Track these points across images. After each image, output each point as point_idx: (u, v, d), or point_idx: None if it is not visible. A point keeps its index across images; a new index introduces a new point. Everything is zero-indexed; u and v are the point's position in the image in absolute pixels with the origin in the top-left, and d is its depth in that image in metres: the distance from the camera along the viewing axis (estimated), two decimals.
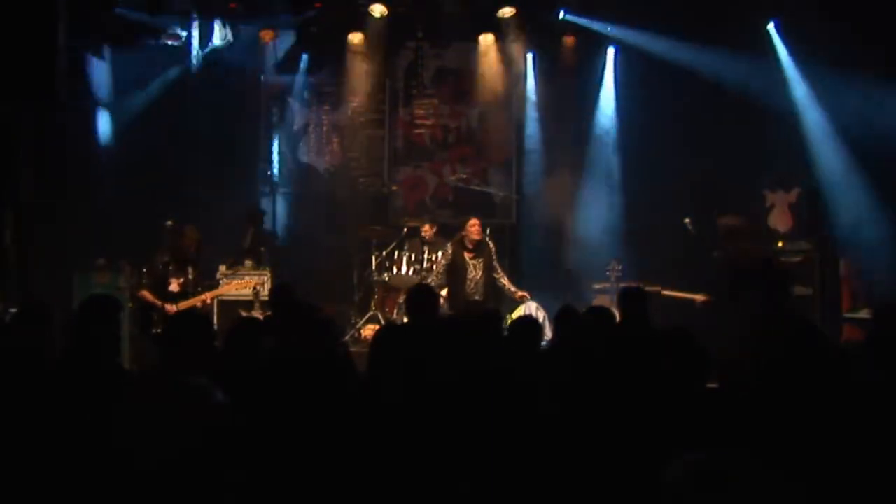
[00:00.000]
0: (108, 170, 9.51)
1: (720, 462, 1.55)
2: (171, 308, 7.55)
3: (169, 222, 8.13)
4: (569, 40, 10.23)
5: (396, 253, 9.36)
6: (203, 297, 7.80)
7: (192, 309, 7.71)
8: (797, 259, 8.83)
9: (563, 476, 2.98)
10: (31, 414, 3.04)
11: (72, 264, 9.10)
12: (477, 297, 8.28)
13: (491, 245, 8.59)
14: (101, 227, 9.10)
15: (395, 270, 9.24)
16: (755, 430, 3.05)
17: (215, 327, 8.85)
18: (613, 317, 5.36)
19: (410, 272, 9.14)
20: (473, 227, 8.41)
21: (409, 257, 9.21)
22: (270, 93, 10.62)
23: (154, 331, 7.51)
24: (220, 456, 1.73)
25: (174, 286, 7.70)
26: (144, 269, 7.91)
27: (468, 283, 8.27)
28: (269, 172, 10.60)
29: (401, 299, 8.73)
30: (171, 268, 7.74)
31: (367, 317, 9.25)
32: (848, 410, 3.14)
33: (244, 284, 8.51)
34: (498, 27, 10.32)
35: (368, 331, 8.83)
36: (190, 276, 7.77)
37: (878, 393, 3.34)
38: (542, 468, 2.97)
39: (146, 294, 7.68)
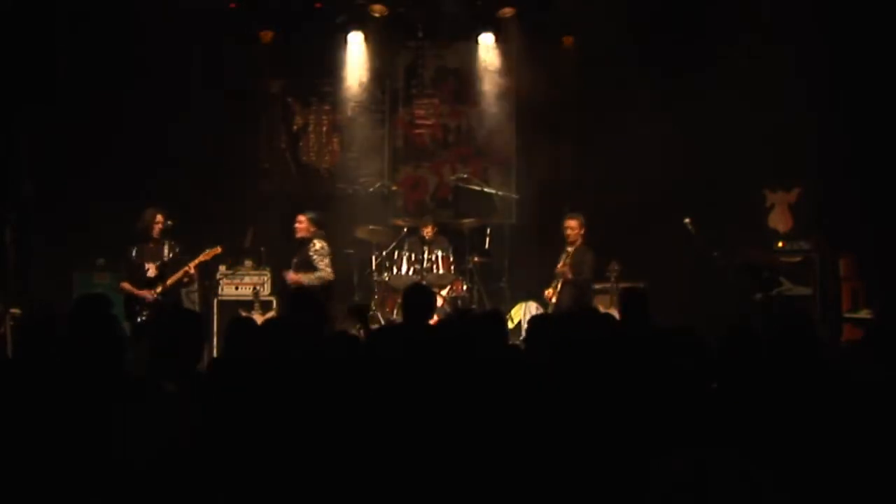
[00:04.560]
0: (108, 169, 9.50)
1: (705, 460, 1.55)
2: (147, 294, 7.61)
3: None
4: (568, 40, 10.23)
5: (396, 253, 9.35)
6: (182, 271, 7.79)
7: (180, 300, 7.76)
8: (797, 259, 8.84)
9: (565, 477, 2.98)
10: (29, 415, 3.04)
11: (72, 264, 9.10)
12: None
13: (313, 243, 8.55)
14: (101, 227, 9.10)
15: (395, 270, 9.23)
16: (755, 429, 3.05)
17: (214, 327, 8.92)
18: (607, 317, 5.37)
19: (410, 272, 9.13)
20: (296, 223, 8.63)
21: (409, 257, 9.20)
22: (270, 93, 10.61)
23: (139, 319, 7.57)
24: (203, 458, 1.73)
25: (151, 271, 7.74)
26: (122, 262, 7.98)
27: None
28: (269, 173, 10.61)
29: (400, 299, 8.73)
30: (142, 252, 7.79)
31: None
32: (847, 410, 3.14)
33: (213, 252, 8.31)
34: (498, 27, 10.32)
35: None
36: (166, 258, 7.78)
37: (877, 392, 3.33)
38: (542, 468, 2.97)
39: (126, 286, 7.76)
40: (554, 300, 8.78)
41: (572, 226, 9.03)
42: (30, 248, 9.29)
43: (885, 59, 8.68)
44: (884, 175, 8.75)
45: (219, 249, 8.06)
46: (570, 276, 8.76)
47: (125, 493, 2.27)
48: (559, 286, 8.84)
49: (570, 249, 9.01)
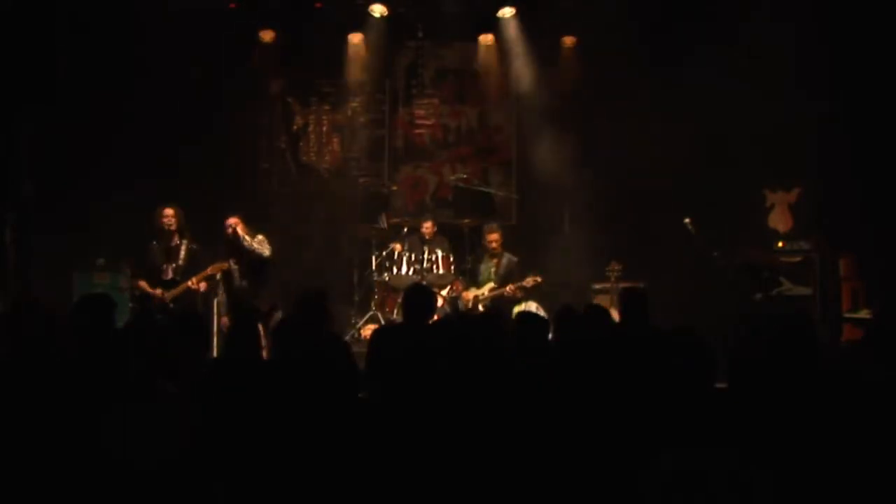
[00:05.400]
0: (108, 169, 9.50)
1: (704, 460, 1.56)
2: (159, 293, 7.63)
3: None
4: (568, 40, 10.23)
5: (396, 253, 9.35)
6: (184, 285, 7.80)
7: (189, 304, 7.77)
8: (797, 259, 8.83)
9: (563, 477, 2.98)
10: (28, 414, 3.04)
11: (72, 264, 9.10)
12: None
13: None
14: (101, 227, 9.10)
15: (395, 270, 9.23)
16: (754, 429, 3.06)
17: (214, 327, 8.91)
18: (609, 315, 5.38)
19: (410, 272, 9.13)
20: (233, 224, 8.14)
21: (409, 257, 9.20)
22: (270, 93, 10.62)
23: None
24: (203, 459, 1.73)
25: (168, 273, 7.76)
26: (139, 259, 7.98)
27: None
28: (269, 173, 10.62)
29: (401, 299, 8.72)
30: (159, 252, 7.80)
31: (367, 317, 9.24)
32: (847, 410, 3.14)
33: (219, 268, 8.30)
34: (498, 27, 10.32)
35: (368, 331, 8.82)
36: (181, 261, 7.80)
37: (877, 392, 3.33)
38: (541, 468, 2.97)
39: (142, 283, 7.77)
40: (481, 307, 8.80)
41: (497, 238, 9.16)
42: (30, 248, 9.29)
43: (885, 59, 8.68)
44: (884, 175, 8.75)
45: (226, 265, 8.08)
46: (518, 294, 8.82)
47: (125, 494, 2.27)
48: (487, 295, 8.91)
49: (494, 260, 9.11)
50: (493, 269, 9.10)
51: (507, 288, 8.84)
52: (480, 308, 8.81)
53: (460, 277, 9.33)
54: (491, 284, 9.02)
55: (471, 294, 9.08)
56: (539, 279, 8.80)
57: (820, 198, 9.21)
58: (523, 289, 8.84)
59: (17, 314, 4.32)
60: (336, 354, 3.85)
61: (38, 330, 4.08)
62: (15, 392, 3.28)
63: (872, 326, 5.63)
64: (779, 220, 9.55)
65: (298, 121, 10.80)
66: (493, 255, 9.14)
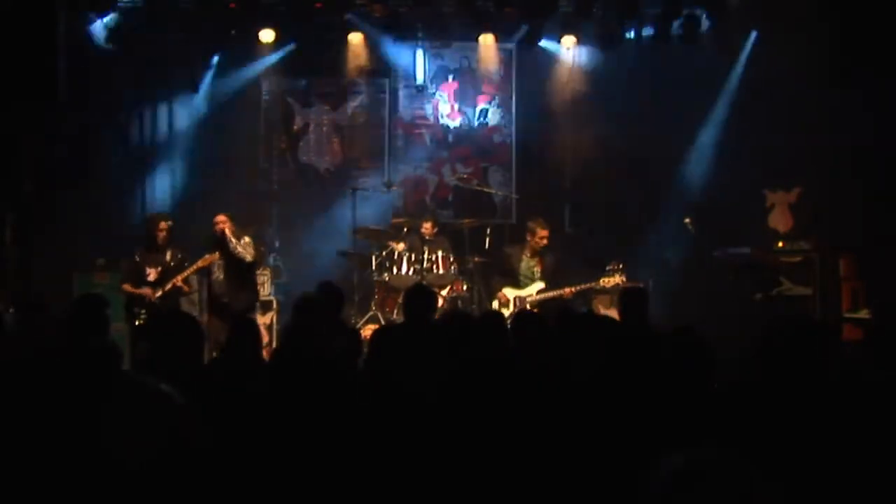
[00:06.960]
0: (108, 169, 9.50)
1: (700, 462, 1.55)
2: (147, 292, 7.64)
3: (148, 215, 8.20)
4: (568, 40, 10.22)
5: (396, 253, 9.33)
6: (173, 282, 7.79)
7: (178, 305, 7.77)
8: (797, 259, 8.83)
9: (564, 477, 2.98)
10: (20, 413, 3.03)
11: (72, 264, 9.10)
12: None
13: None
14: (101, 227, 9.10)
15: (395, 270, 9.22)
16: (756, 429, 3.05)
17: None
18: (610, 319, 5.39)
19: (410, 272, 9.12)
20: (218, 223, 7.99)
21: (409, 257, 9.19)
22: (270, 93, 10.61)
23: (137, 322, 7.61)
24: (201, 460, 1.73)
25: (152, 275, 7.78)
26: (123, 263, 8.00)
27: None
28: (269, 173, 10.62)
29: (401, 299, 8.70)
30: (144, 258, 7.82)
31: (367, 317, 9.23)
32: (848, 410, 3.14)
33: (209, 259, 8.23)
34: (498, 27, 10.32)
35: (368, 331, 8.80)
36: (169, 263, 7.82)
37: (878, 392, 3.33)
38: (541, 468, 2.97)
39: (127, 286, 7.79)
40: (536, 310, 8.37)
41: (547, 235, 8.66)
42: (30, 248, 9.29)
43: (885, 59, 8.68)
44: (884, 175, 8.75)
45: (217, 256, 8.05)
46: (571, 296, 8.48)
47: (124, 495, 2.26)
48: (537, 297, 8.62)
49: (537, 258, 8.70)
50: (536, 269, 8.71)
51: (565, 290, 8.38)
52: (530, 308, 8.33)
53: (460, 277, 9.31)
54: (540, 285, 8.63)
55: (511, 294, 8.65)
56: (620, 280, 8.23)
57: (820, 198, 9.21)
58: (600, 290, 8.45)
59: (19, 314, 4.33)
60: (343, 350, 3.85)
61: (37, 329, 4.09)
62: (12, 392, 3.28)
63: (872, 326, 5.63)
64: (779, 220, 9.54)
65: (298, 121, 10.80)
66: (535, 253, 8.71)
